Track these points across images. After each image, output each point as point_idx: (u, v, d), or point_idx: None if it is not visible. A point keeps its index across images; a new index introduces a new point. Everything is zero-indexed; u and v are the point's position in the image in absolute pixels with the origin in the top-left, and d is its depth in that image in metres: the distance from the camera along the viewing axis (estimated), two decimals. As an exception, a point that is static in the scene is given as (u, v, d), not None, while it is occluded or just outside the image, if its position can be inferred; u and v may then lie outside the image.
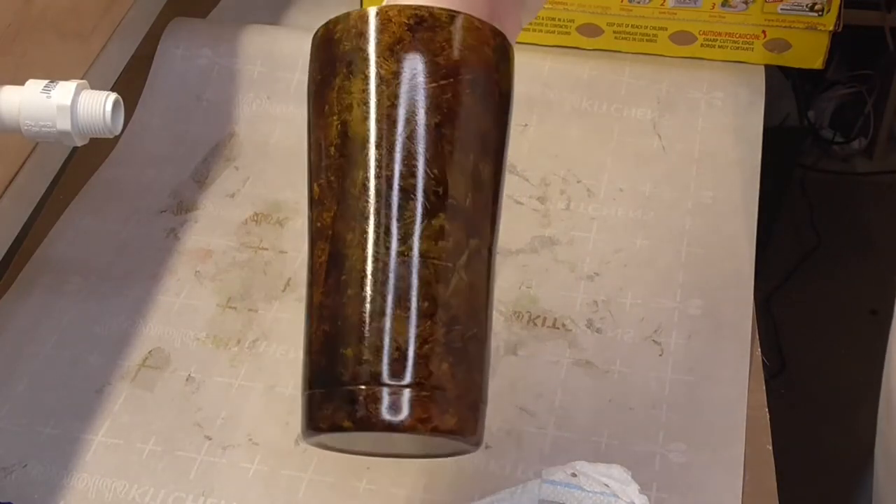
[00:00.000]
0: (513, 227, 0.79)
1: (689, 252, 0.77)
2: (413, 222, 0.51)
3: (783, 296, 1.76)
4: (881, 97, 1.96)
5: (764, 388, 0.68)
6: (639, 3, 0.89)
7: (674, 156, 0.85)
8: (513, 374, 0.69)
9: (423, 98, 0.52)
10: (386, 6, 0.53)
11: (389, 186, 0.51)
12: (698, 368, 0.69)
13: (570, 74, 0.90)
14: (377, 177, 0.51)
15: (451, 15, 0.52)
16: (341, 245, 0.52)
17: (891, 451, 0.70)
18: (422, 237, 0.51)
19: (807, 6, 0.88)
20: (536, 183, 0.83)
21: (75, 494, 0.63)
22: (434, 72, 0.52)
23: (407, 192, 0.51)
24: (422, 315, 0.50)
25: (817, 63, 0.91)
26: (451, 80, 0.52)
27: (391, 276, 0.51)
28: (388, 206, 0.51)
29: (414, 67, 0.52)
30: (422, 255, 0.51)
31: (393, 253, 0.51)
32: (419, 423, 0.49)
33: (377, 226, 0.51)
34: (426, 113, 0.52)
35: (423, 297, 0.50)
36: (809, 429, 1.58)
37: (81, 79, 0.63)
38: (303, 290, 0.76)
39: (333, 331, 0.51)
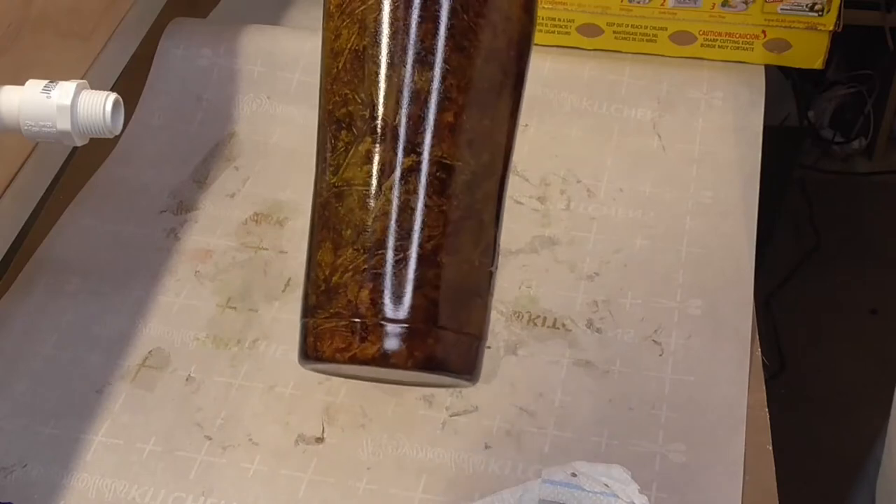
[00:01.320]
0: (513, 227, 0.79)
1: (689, 252, 0.77)
2: (342, 152, 0.51)
3: (783, 296, 1.76)
4: (881, 97, 1.96)
5: (764, 388, 0.68)
6: (639, 3, 0.89)
7: (674, 156, 0.85)
8: (513, 374, 0.69)
9: (356, 23, 0.51)
10: None
11: (329, 120, 0.52)
12: (698, 368, 0.69)
13: (570, 74, 0.90)
14: (322, 111, 0.52)
15: None
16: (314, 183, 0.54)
17: None
18: (349, 165, 0.51)
19: (807, 6, 0.88)
20: (536, 183, 0.83)
21: (75, 494, 0.63)
22: None
23: (339, 123, 0.51)
24: (343, 244, 0.50)
25: (817, 63, 0.91)
26: None
27: (324, 209, 0.52)
28: (327, 138, 0.52)
29: None
30: (347, 182, 0.51)
31: (328, 185, 0.52)
32: (337, 353, 0.50)
33: (321, 160, 0.52)
34: (357, 37, 0.51)
35: (345, 225, 0.51)
36: (809, 429, 1.58)
37: (81, 79, 0.63)
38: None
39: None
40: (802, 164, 1.95)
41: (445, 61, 0.51)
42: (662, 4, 0.89)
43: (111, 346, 0.71)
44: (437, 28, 0.51)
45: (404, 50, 0.51)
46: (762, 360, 0.70)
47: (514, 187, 0.83)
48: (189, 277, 0.76)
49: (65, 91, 0.62)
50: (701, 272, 0.75)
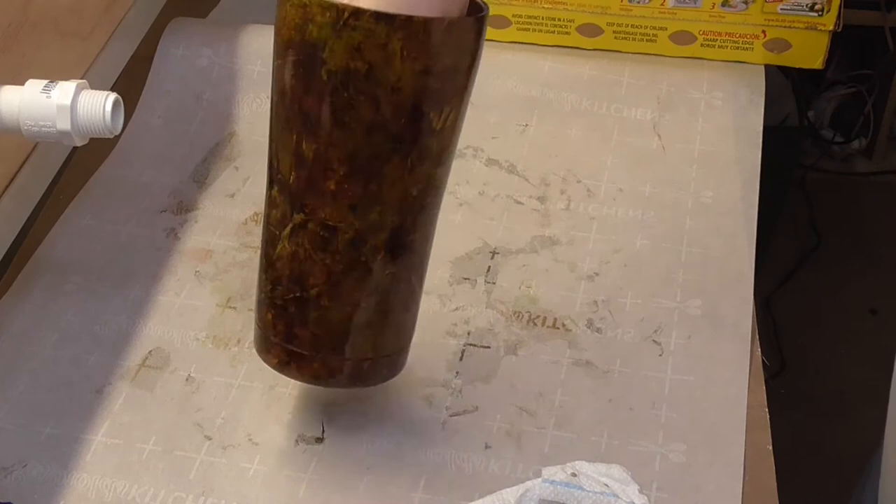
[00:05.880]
0: (513, 227, 0.79)
1: (689, 252, 0.77)
2: (267, 184, 0.58)
3: (783, 296, 1.76)
4: (881, 97, 1.96)
5: (764, 387, 0.68)
6: (639, 3, 0.89)
7: (673, 156, 0.85)
8: (513, 374, 0.69)
9: (272, 74, 0.56)
10: None
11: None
12: (698, 368, 0.69)
13: (570, 74, 0.90)
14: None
15: None
16: None
17: None
18: (266, 203, 0.58)
19: (807, 6, 0.88)
20: (536, 183, 0.83)
21: (75, 494, 0.63)
22: (275, 49, 0.55)
23: (267, 160, 0.58)
24: (262, 269, 0.60)
25: (817, 63, 0.91)
26: (282, 60, 0.54)
27: (262, 230, 0.60)
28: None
29: (275, 37, 0.55)
30: (266, 217, 0.59)
31: (263, 212, 0.59)
32: (257, 352, 0.62)
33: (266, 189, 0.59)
34: (272, 89, 0.56)
35: (263, 254, 0.59)
36: (809, 429, 1.58)
37: (81, 79, 0.63)
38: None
39: None
40: (802, 164, 1.95)
41: (327, 134, 0.54)
42: (662, 4, 0.89)
43: (111, 346, 0.71)
44: (320, 103, 0.54)
45: (296, 117, 0.55)
46: (762, 360, 0.70)
47: (514, 187, 0.83)
48: (189, 277, 0.76)
49: (65, 91, 0.62)
50: (701, 272, 0.75)
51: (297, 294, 0.58)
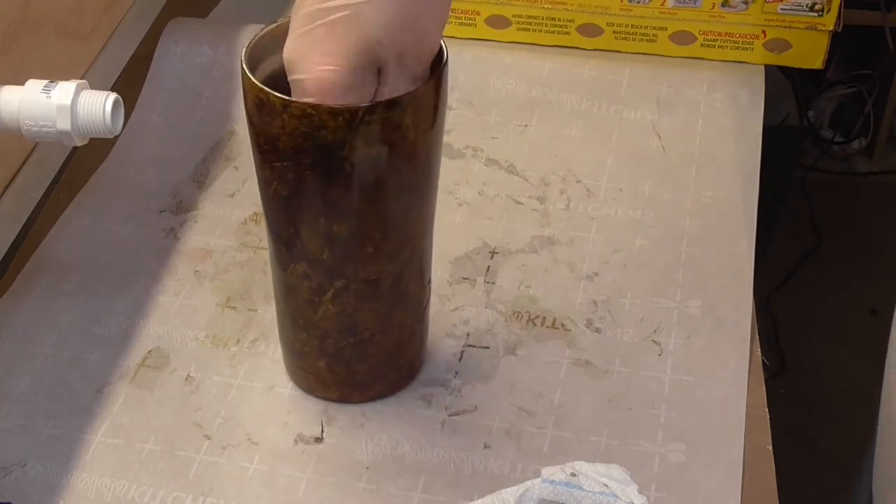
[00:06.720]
0: (512, 227, 0.79)
1: (688, 252, 0.77)
2: (285, 260, 0.61)
3: (783, 296, 1.77)
4: (881, 97, 1.97)
5: (764, 387, 0.68)
6: (639, 3, 0.89)
7: (673, 156, 0.85)
8: (512, 374, 0.69)
9: (275, 174, 0.57)
10: (251, 66, 0.56)
11: (268, 227, 0.61)
12: (698, 368, 0.69)
13: (570, 74, 0.90)
14: (266, 222, 0.61)
15: (284, 104, 0.54)
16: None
17: (891, 449, 0.70)
18: (290, 274, 0.61)
19: (807, 6, 0.88)
20: (536, 183, 0.83)
21: (75, 494, 0.63)
22: (278, 152, 0.56)
23: (278, 242, 0.61)
24: (300, 326, 0.64)
25: (817, 63, 0.91)
26: (292, 162, 0.56)
27: (280, 289, 0.63)
28: (273, 244, 0.61)
29: (266, 144, 0.56)
30: (294, 286, 0.62)
31: (277, 275, 0.63)
32: (309, 390, 0.67)
33: (272, 255, 0.62)
34: (279, 185, 0.57)
35: (298, 314, 0.63)
36: (809, 429, 1.58)
37: (81, 79, 0.63)
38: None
39: None
40: (802, 164, 1.95)
41: (359, 213, 0.58)
42: (662, 4, 0.89)
43: (111, 346, 0.71)
44: (347, 192, 0.56)
45: (320, 208, 0.57)
46: (762, 360, 0.70)
47: (514, 187, 0.83)
48: (189, 277, 0.76)
49: (65, 91, 0.62)
50: (700, 272, 0.75)
51: (351, 341, 0.63)
